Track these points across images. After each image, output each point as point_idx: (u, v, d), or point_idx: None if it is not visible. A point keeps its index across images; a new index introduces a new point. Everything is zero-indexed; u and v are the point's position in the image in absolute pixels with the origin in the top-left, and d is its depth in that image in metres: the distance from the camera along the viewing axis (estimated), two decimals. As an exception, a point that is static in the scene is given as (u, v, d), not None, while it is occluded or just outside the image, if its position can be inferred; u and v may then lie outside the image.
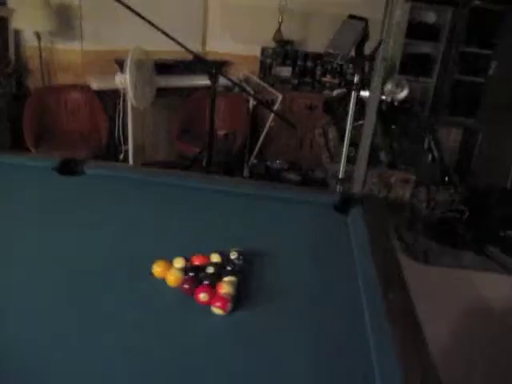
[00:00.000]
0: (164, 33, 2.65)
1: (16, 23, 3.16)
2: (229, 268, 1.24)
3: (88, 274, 1.22)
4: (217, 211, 1.65)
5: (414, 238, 2.94)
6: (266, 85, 3.69)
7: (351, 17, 2.04)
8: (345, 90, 3.27)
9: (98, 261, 1.29)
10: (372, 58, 2.18)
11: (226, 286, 1.16)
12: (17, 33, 3.40)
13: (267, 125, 3.52)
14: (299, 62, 3.86)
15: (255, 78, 3.83)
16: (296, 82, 3.80)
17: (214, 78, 2.97)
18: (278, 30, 3.79)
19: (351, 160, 2.92)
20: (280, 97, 3.54)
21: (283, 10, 3.60)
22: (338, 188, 2.19)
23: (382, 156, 3.03)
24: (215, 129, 2.96)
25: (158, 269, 1.22)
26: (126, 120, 3.42)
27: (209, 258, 1.27)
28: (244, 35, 3.94)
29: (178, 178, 1.81)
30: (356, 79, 1.98)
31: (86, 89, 3.41)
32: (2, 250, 1.29)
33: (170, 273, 1.21)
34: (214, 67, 2.89)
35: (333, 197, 1.69)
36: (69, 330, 1.02)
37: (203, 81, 3.53)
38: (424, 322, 1.08)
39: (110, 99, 3.47)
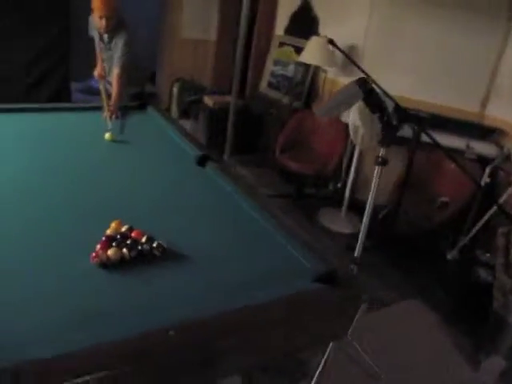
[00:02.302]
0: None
1: (302, 57, 3.89)
2: (139, 247, 1.58)
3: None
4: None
5: None
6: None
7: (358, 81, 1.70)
8: None
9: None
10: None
11: (111, 250, 1.52)
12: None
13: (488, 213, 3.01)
14: None
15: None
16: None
17: (415, 134, 2.89)
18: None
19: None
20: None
21: None
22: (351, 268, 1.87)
23: None
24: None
25: (112, 222, 1.68)
26: (359, 156, 3.68)
27: (141, 235, 1.62)
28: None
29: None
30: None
31: (337, 119, 3.84)
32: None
33: (111, 227, 1.65)
34: (417, 124, 2.81)
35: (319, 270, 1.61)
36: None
37: (450, 141, 3.38)
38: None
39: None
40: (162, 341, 1.18)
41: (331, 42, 2.75)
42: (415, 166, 3.40)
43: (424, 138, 3.08)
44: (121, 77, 3.24)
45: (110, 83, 3.39)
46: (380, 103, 1.81)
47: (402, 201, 3.10)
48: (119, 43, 3.23)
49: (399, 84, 3.65)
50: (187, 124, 5.30)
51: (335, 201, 3.91)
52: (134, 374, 1.15)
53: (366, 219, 2.10)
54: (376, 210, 3.58)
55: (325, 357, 1.69)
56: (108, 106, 3.01)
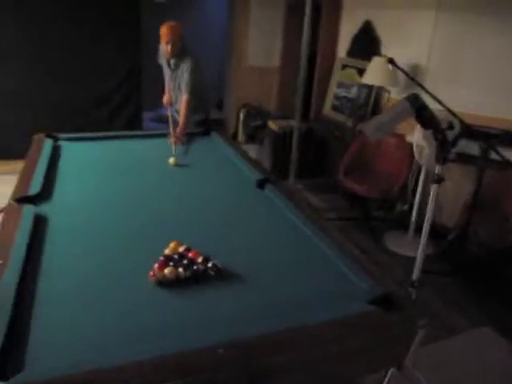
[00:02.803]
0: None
1: (365, 78, 3.87)
2: (194, 267, 1.63)
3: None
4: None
5: None
6: None
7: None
8: None
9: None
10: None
11: (168, 269, 1.59)
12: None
13: None
14: None
15: None
16: None
17: (483, 151, 2.75)
18: None
19: None
20: None
21: None
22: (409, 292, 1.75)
23: None
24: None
25: (171, 242, 1.75)
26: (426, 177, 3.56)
27: (198, 256, 1.68)
28: None
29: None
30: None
31: (402, 138, 3.74)
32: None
33: (170, 247, 1.73)
34: (484, 140, 2.67)
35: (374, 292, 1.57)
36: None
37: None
38: None
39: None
40: (212, 358, 1.21)
41: (391, 61, 2.72)
42: (486, 184, 3.23)
43: (494, 155, 2.94)
44: (189, 102, 3.39)
45: (177, 111, 3.57)
46: (433, 120, 1.75)
47: (471, 221, 2.94)
48: (185, 69, 3.40)
49: (467, 100, 3.51)
50: (253, 148, 5.41)
51: (402, 223, 3.78)
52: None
53: (423, 240, 2.02)
54: (445, 231, 3.43)
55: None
56: (174, 132, 3.16)
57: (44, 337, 1.25)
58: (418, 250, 3.49)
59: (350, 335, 1.39)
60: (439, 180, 1.84)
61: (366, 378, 1.93)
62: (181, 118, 3.37)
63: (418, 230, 3.67)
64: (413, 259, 3.38)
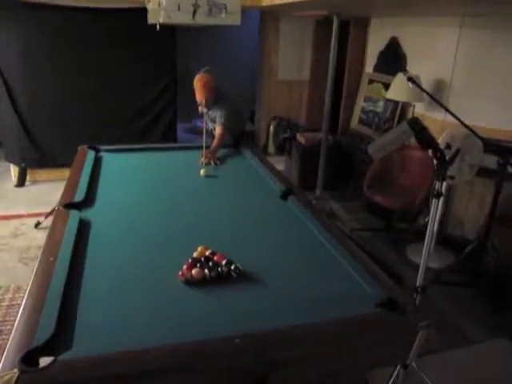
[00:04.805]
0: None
1: (390, 94, 4.00)
2: (218, 269, 1.82)
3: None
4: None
5: None
6: None
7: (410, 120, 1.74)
8: None
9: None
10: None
11: (195, 270, 1.79)
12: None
13: None
14: None
15: None
16: None
17: (500, 165, 2.84)
18: None
19: None
20: None
21: None
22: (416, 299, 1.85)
23: None
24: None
25: (199, 246, 1.95)
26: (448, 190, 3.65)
27: (222, 259, 1.87)
28: None
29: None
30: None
31: (425, 153, 3.83)
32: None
33: (198, 251, 1.92)
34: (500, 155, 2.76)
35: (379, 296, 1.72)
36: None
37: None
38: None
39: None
40: (229, 346, 1.39)
41: (410, 79, 2.85)
42: (505, 198, 3.29)
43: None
44: (222, 135, 3.58)
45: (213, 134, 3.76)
46: (432, 141, 1.89)
47: (490, 235, 3.02)
48: (217, 115, 3.63)
49: (492, 115, 3.58)
50: (282, 160, 5.59)
51: (424, 235, 3.86)
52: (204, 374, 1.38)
53: (426, 246, 2.16)
54: (467, 244, 3.51)
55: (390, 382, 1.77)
56: (205, 153, 3.32)
57: (87, 322, 1.47)
58: (438, 260, 3.60)
59: (355, 333, 1.54)
60: (438, 195, 1.97)
61: (374, 375, 2.07)
62: (214, 144, 3.50)
63: (441, 242, 3.77)
64: (433, 270, 3.49)
